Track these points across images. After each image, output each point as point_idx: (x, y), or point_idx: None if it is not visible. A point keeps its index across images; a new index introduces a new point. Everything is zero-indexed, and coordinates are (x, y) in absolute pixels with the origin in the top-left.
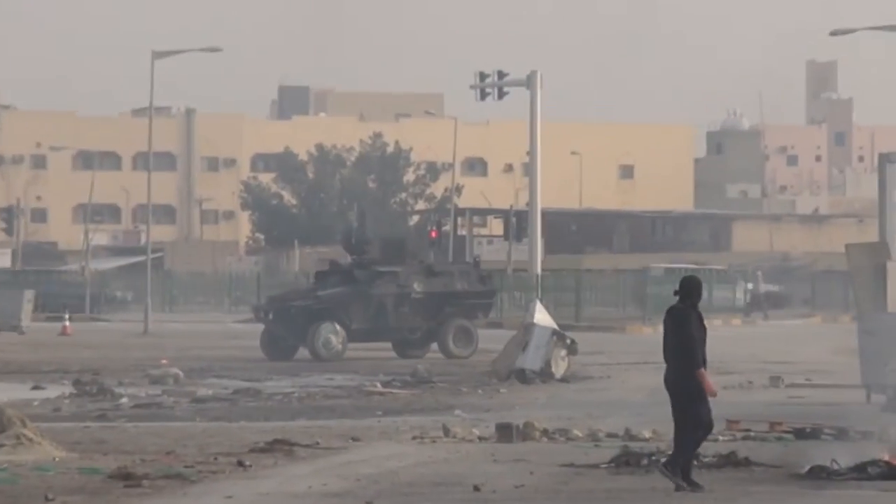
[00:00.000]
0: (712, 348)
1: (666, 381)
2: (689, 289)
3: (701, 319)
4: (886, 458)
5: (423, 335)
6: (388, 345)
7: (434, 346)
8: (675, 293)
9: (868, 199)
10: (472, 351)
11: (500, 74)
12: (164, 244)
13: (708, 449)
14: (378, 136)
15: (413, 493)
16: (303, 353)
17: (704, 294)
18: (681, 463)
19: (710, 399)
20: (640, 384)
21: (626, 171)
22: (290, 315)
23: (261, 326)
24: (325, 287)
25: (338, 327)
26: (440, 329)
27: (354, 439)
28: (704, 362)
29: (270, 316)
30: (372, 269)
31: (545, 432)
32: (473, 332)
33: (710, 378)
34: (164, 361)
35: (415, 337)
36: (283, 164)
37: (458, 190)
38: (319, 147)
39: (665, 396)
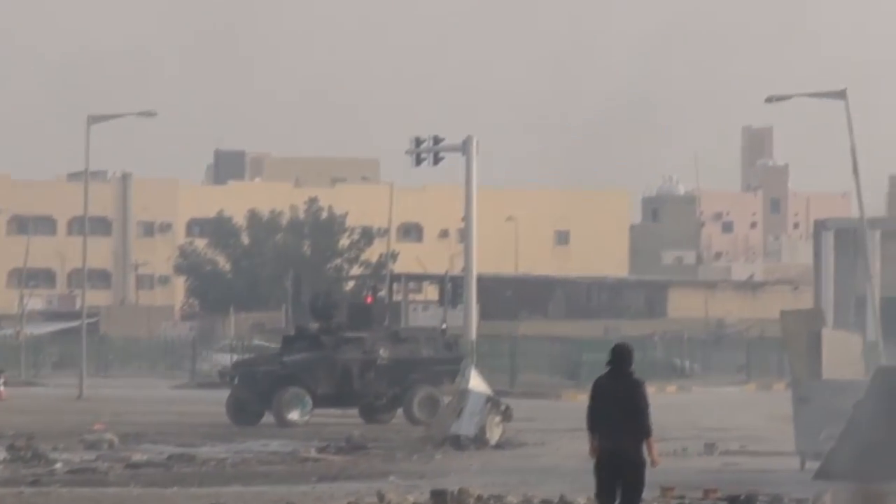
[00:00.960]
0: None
1: (608, 450)
2: (622, 356)
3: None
4: None
5: (389, 401)
6: (355, 410)
7: (400, 411)
8: (608, 363)
9: (803, 266)
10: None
11: (436, 140)
12: (100, 309)
13: None
14: (314, 200)
15: None
16: (268, 418)
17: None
18: None
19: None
20: (575, 451)
21: (562, 237)
22: (255, 380)
23: (221, 392)
24: (291, 352)
25: (303, 393)
26: (406, 395)
27: None
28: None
29: (236, 380)
30: (338, 335)
31: (480, 499)
32: (439, 399)
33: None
34: (98, 426)
35: (381, 403)
36: (218, 229)
37: (394, 255)
38: (254, 212)
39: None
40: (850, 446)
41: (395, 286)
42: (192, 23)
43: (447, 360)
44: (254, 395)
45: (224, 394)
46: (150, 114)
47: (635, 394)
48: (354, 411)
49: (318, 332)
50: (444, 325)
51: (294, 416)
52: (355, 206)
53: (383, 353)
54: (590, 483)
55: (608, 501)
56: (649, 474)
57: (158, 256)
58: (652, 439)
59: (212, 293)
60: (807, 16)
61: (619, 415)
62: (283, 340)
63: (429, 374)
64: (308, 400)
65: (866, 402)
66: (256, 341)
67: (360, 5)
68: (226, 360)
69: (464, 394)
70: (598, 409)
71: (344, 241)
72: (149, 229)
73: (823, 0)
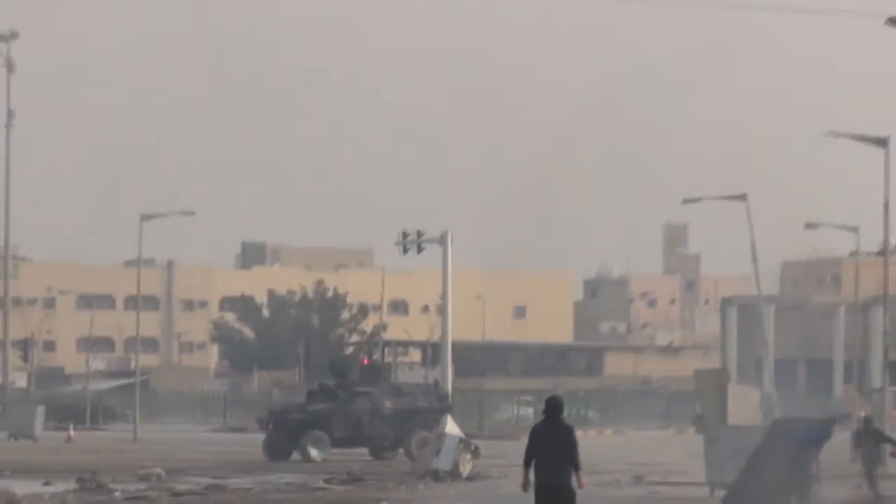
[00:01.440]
0: (588, 453)
1: (545, 484)
2: (555, 406)
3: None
4: None
5: (393, 443)
6: (366, 450)
7: (401, 451)
8: (544, 412)
9: (712, 335)
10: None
11: (419, 233)
12: (150, 369)
13: None
14: (321, 283)
15: None
16: (296, 455)
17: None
18: None
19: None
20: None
21: (520, 311)
22: (286, 425)
23: (248, 435)
24: (315, 403)
25: (324, 436)
26: (405, 438)
27: None
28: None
29: (271, 426)
30: (352, 389)
31: None
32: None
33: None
34: (149, 463)
35: (386, 444)
36: (244, 306)
37: (385, 326)
38: (272, 292)
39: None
40: (749, 480)
41: (386, 351)
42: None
43: (439, 409)
44: (284, 437)
45: (249, 437)
46: (189, 213)
47: (568, 437)
48: (365, 450)
49: (336, 387)
50: (436, 381)
51: (316, 454)
52: (354, 286)
53: (388, 404)
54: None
55: None
56: (588, 501)
57: (196, 327)
58: (581, 472)
59: (239, 356)
60: (711, 125)
61: (555, 454)
62: (307, 394)
63: (424, 421)
64: (327, 441)
65: (764, 445)
66: (275, 396)
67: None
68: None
69: (441, 436)
70: (536, 450)
71: (345, 315)
72: (189, 305)
73: (722, 111)
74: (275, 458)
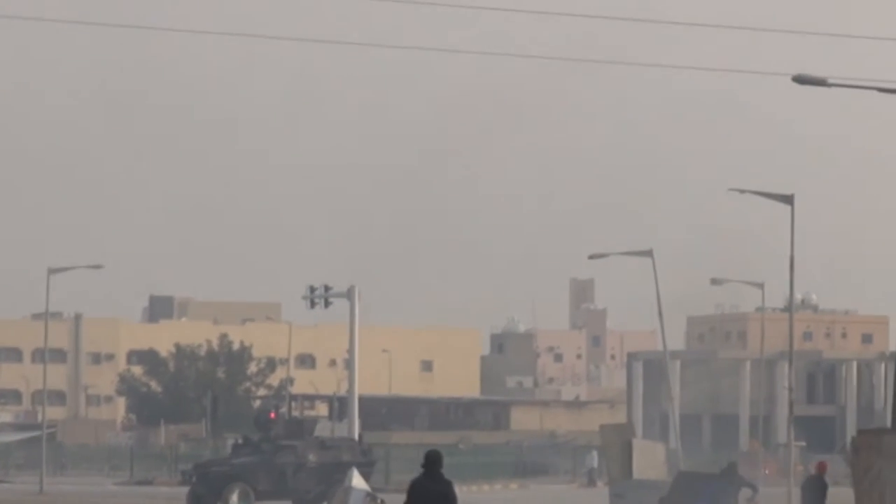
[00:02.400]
0: None
1: None
2: (434, 460)
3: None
4: None
5: (317, 496)
6: (290, 503)
7: None
8: (423, 466)
9: (618, 389)
10: None
11: (326, 288)
12: (57, 422)
13: None
14: (224, 335)
15: None
16: None
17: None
18: None
19: None
20: None
21: (427, 365)
22: (209, 478)
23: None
24: (239, 456)
25: (248, 488)
26: (329, 491)
27: None
28: None
29: (194, 478)
30: (276, 443)
31: None
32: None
33: None
34: None
35: (309, 497)
36: (151, 359)
37: (292, 380)
38: (178, 346)
39: None
40: None
41: (293, 404)
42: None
43: (363, 463)
44: (208, 490)
45: (157, 490)
46: (97, 266)
47: (448, 491)
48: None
49: (260, 440)
50: (361, 435)
51: None
52: (261, 340)
53: (312, 457)
54: None
55: None
56: None
57: (104, 380)
58: None
59: (146, 409)
60: (616, 179)
61: None
62: (232, 447)
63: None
64: (251, 494)
65: (669, 498)
66: (182, 449)
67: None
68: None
69: (348, 490)
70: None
71: (252, 368)
72: (96, 359)
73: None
74: None
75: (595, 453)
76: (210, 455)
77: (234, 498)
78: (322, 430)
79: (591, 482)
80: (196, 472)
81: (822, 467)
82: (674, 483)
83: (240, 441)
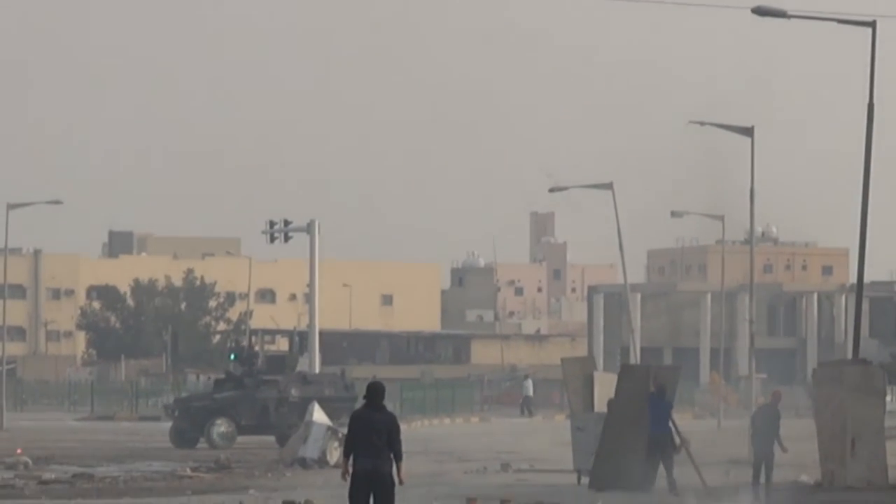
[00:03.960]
0: (454, 441)
1: (363, 470)
2: (376, 392)
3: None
4: None
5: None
6: (272, 437)
7: None
8: (364, 397)
9: (579, 323)
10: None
11: (286, 222)
12: (17, 357)
13: None
14: (190, 271)
15: None
16: (202, 443)
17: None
18: None
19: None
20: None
21: (387, 299)
22: (191, 412)
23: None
24: (221, 391)
25: (229, 423)
26: None
27: None
28: None
29: (176, 413)
30: (258, 378)
31: None
32: (337, 429)
33: (451, 465)
34: (17, 451)
35: (291, 432)
36: (111, 294)
37: (251, 314)
38: (137, 281)
39: (415, 479)
40: (607, 458)
41: (253, 339)
42: (89, 116)
43: (345, 398)
44: (190, 424)
45: (117, 425)
46: (56, 202)
47: (391, 424)
48: (271, 438)
49: (242, 375)
50: (343, 369)
51: (222, 441)
52: (221, 275)
53: (294, 392)
54: (405, 495)
55: None
56: (454, 488)
57: (64, 316)
58: (402, 463)
59: (106, 345)
60: (578, 112)
61: (376, 441)
62: (214, 382)
63: (330, 409)
64: (234, 429)
65: (616, 400)
66: (142, 384)
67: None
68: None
69: (308, 425)
70: (357, 436)
71: (212, 303)
72: (56, 294)
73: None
74: (181, 445)
75: (530, 382)
76: (170, 390)
77: (216, 432)
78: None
79: (528, 412)
80: (178, 406)
81: (776, 395)
82: (619, 378)
83: (222, 376)
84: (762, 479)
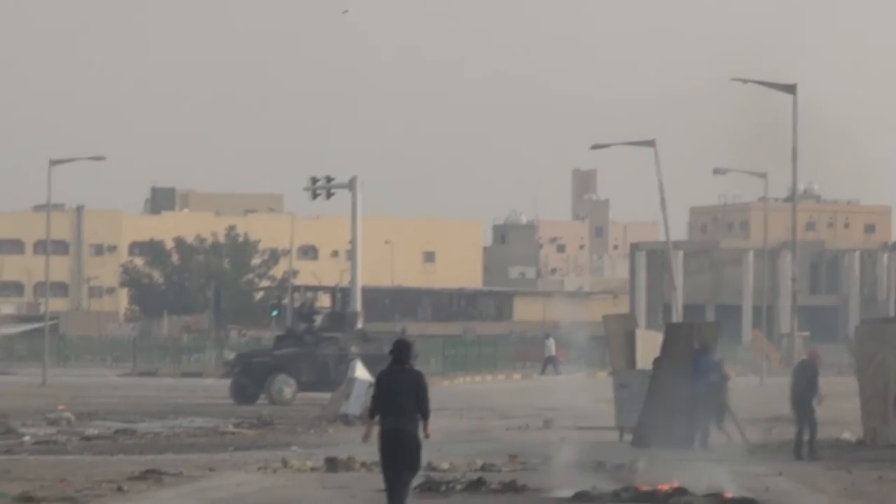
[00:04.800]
0: (496, 398)
1: (390, 430)
2: (403, 349)
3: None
4: (636, 485)
5: None
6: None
7: None
8: (391, 353)
9: (621, 280)
10: None
11: (328, 179)
12: (59, 314)
13: (493, 478)
14: (232, 228)
15: None
16: (263, 399)
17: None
18: None
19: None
20: (438, 426)
21: (429, 256)
22: (252, 369)
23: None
24: (281, 348)
25: (290, 379)
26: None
27: (211, 469)
28: None
29: (237, 369)
30: (318, 335)
31: (364, 465)
32: None
33: (493, 422)
34: (59, 407)
35: None
36: (154, 251)
37: (296, 273)
38: (181, 238)
39: (461, 435)
40: (651, 416)
41: (295, 295)
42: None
43: None
44: (251, 381)
45: (160, 381)
46: (99, 158)
47: (418, 383)
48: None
49: (303, 332)
50: (402, 328)
51: (282, 397)
52: (263, 231)
53: (354, 349)
54: (449, 452)
55: (394, 476)
56: (497, 445)
57: (106, 272)
58: (429, 421)
59: (148, 301)
60: (619, 69)
61: (403, 400)
62: (275, 339)
63: None
64: (294, 385)
65: (661, 358)
66: (184, 341)
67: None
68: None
69: (351, 381)
70: (384, 395)
71: (255, 260)
72: (98, 250)
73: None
74: (241, 401)
75: (552, 341)
76: (211, 346)
77: (276, 388)
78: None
79: (554, 370)
80: (239, 362)
81: (812, 355)
82: (665, 337)
83: (283, 332)
84: (805, 437)
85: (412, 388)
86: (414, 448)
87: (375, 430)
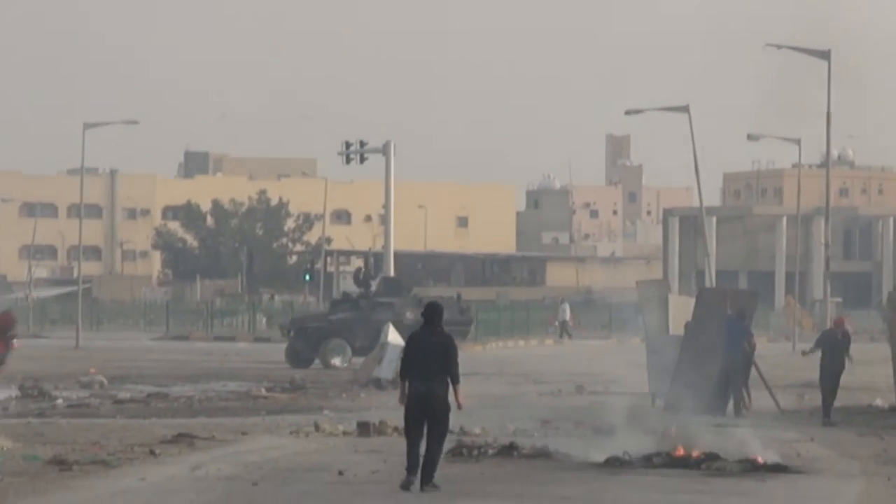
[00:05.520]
0: (528, 363)
1: (418, 393)
2: (434, 313)
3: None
4: (668, 450)
5: None
6: None
7: None
8: (422, 314)
9: (654, 245)
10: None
11: (362, 143)
12: (93, 277)
13: (525, 443)
14: (263, 192)
15: (290, 476)
16: (317, 363)
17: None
18: (430, 470)
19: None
20: (470, 391)
21: (462, 221)
22: (307, 333)
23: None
24: (336, 313)
25: (344, 344)
26: None
27: (243, 433)
28: None
29: (292, 333)
30: (373, 300)
31: (396, 429)
32: None
33: (525, 387)
34: (92, 371)
35: None
36: (187, 214)
37: (329, 239)
38: (216, 202)
39: (490, 400)
40: (683, 382)
41: (329, 260)
42: (166, 37)
43: (460, 322)
44: (306, 345)
45: (192, 345)
46: (132, 122)
47: (448, 345)
48: None
49: (358, 297)
50: (458, 294)
51: (336, 362)
52: (297, 196)
53: (409, 315)
54: (480, 417)
55: (418, 439)
56: (529, 410)
57: (139, 236)
58: (459, 386)
59: (182, 265)
60: (652, 36)
61: (433, 363)
62: (331, 303)
63: None
64: (348, 350)
65: (693, 323)
66: (217, 305)
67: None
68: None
69: (384, 346)
70: (413, 358)
71: (289, 225)
72: (132, 214)
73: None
74: (296, 365)
75: (567, 306)
76: (244, 310)
77: (331, 353)
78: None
79: (566, 333)
80: (294, 326)
81: (839, 322)
82: (697, 301)
83: (339, 297)
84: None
85: (442, 350)
86: (443, 411)
87: None
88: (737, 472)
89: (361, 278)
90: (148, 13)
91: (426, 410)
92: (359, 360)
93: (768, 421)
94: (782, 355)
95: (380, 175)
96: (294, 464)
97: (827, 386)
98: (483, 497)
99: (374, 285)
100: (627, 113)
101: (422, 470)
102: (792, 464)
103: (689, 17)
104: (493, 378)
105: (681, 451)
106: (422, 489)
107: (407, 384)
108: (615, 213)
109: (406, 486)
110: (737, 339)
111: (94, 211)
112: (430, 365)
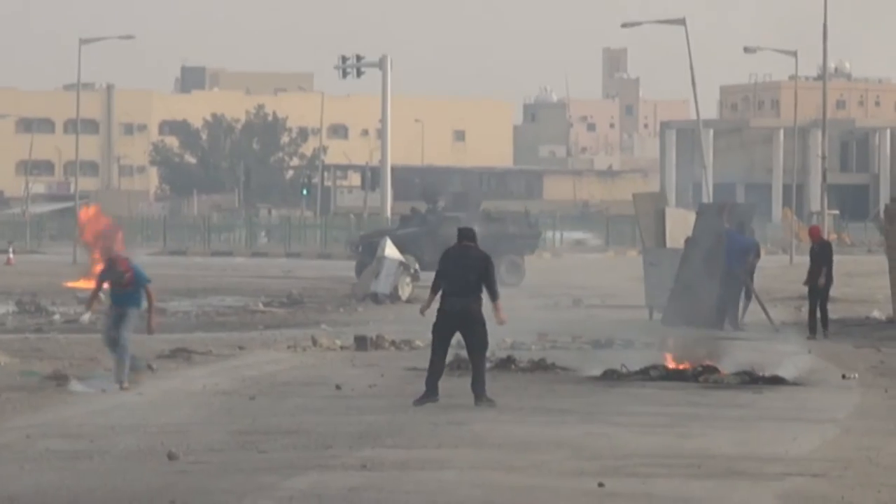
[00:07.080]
0: (527, 275)
1: (457, 311)
2: (468, 235)
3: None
4: (665, 362)
5: None
6: None
7: None
8: (459, 237)
9: (651, 158)
10: (520, 280)
11: (358, 58)
12: (89, 193)
13: (522, 356)
14: (261, 107)
15: (287, 391)
16: None
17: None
18: (480, 382)
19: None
20: None
21: (459, 135)
22: (374, 249)
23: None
24: (404, 228)
25: (412, 259)
26: (495, 262)
27: (240, 348)
28: None
29: (360, 248)
30: (441, 215)
31: (393, 343)
32: (521, 266)
33: (522, 300)
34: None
35: None
36: (184, 129)
37: (325, 150)
38: (213, 116)
39: (490, 314)
40: (681, 295)
41: (326, 174)
42: None
43: (528, 235)
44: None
45: (190, 260)
46: (129, 37)
47: (485, 262)
48: None
49: (426, 212)
50: (526, 209)
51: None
52: (294, 110)
53: (477, 229)
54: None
55: (443, 355)
56: (526, 324)
57: (136, 151)
58: (499, 301)
59: (179, 180)
60: None
61: (470, 277)
62: (400, 219)
63: (513, 246)
64: (417, 265)
65: (693, 237)
66: (214, 219)
67: None
68: None
69: (381, 260)
70: (448, 273)
71: (285, 139)
72: (129, 129)
73: None
74: None
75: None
76: (241, 225)
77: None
78: (355, 201)
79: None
80: (362, 242)
81: (813, 234)
82: (697, 217)
83: (407, 212)
84: (818, 314)
85: (478, 266)
86: (479, 327)
87: (434, 305)
88: (734, 385)
89: (430, 193)
90: None
91: (461, 326)
92: (428, 275)
93: (766, 334)
94: (779, 267)
95: (377, 89)
96: (291, 378)
97: (811, 301)
98: (480, 409)
99: (441, 200)
100: (624, 26)
101: (472, 387)
102: (789, 376)
103: None
104: None
105: (678, 364)
106: (476, 404)
107: (440, 299)
108: (612, 126)
109: (421, 402)
110: (737, 253)
111: (91, 126)
112: (468, 281)
